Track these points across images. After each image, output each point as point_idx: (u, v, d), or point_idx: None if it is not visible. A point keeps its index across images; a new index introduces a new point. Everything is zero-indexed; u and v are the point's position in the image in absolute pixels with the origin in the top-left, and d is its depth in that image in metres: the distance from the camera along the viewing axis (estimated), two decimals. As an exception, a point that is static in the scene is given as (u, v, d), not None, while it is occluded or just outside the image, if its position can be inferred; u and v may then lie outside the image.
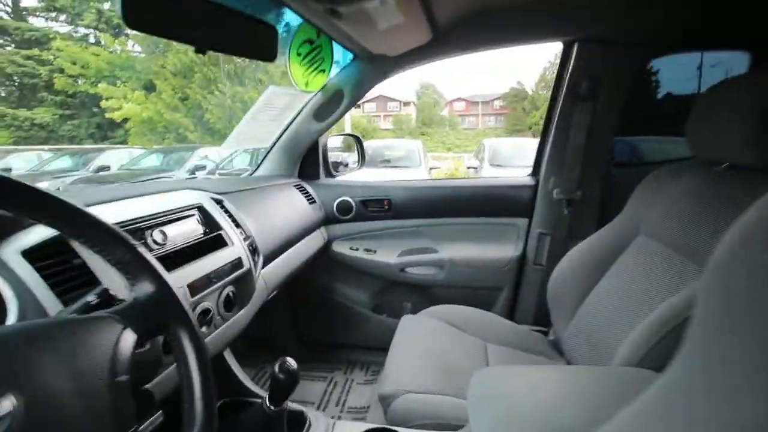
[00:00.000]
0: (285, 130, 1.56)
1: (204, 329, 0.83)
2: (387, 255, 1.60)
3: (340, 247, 1.65)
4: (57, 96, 13.72)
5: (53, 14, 14.67)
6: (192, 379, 0.45)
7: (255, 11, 0.69)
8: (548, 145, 1.43)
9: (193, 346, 0.46)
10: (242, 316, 0.97)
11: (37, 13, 14.63)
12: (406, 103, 31.10)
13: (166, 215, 0.83)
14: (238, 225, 1.03)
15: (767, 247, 0.28)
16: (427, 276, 1.57)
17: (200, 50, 0.61)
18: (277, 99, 1.36)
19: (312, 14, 1.02)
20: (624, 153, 1.60)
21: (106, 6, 14.24)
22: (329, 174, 1.74)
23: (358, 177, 1.81)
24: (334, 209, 1.63)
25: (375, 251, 1.62)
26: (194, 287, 0.79)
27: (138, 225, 0.75)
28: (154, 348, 0.64)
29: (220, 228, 0.94)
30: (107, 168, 7.35)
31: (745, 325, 0.27)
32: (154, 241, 0.76)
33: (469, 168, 7.58)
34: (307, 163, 1.66)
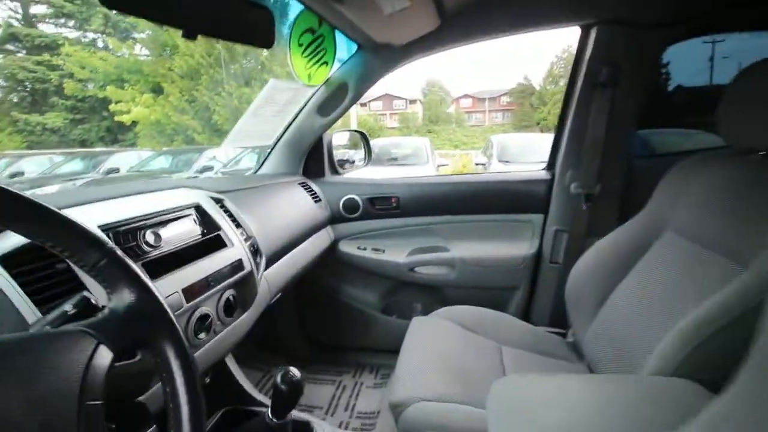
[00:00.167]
0: (288, 126, 1.51)
1: (203, 335, 0.78)
2: (396, 254, 1.54)
3: (347, 247, 1.60)
4: (67, 101, 13.90)
5: (62, 20, 14.85)
6: (179, 402, 0.39)
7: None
8: (565, 136, 1.36)
9: (180, 363, 0.41)
10: (244, 320, 0.93)
11: (47, 20, 14.83)
12: (413, 101, 30.97)
13: (160, 215, 0.78)
14: (239, 225, 0.98)
15: None
16: (438, 276, 1.51)
17: (189, 35, 0.56)
18: (278, 94, 1.31)
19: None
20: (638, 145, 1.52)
21: (113, 11, 14.34)
22: (335, 171, 1.69)
23: (364, 175, 1.76)
24: (341, 208, 1.58)
25: (383, 250, 1.57)
26: (191, 292, 0.74)
27: (129, 226, 0.71)
28: (147, 358, 0.60)
29: (218, 228, 0.90)
30: (116, 170, 7.42)
31: None
32: (147, 243, 0.71)
33: (477, 165, 7.47)
34: (312, 160, 1.61)
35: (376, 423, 1.36)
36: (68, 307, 0.44)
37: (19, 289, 0.51)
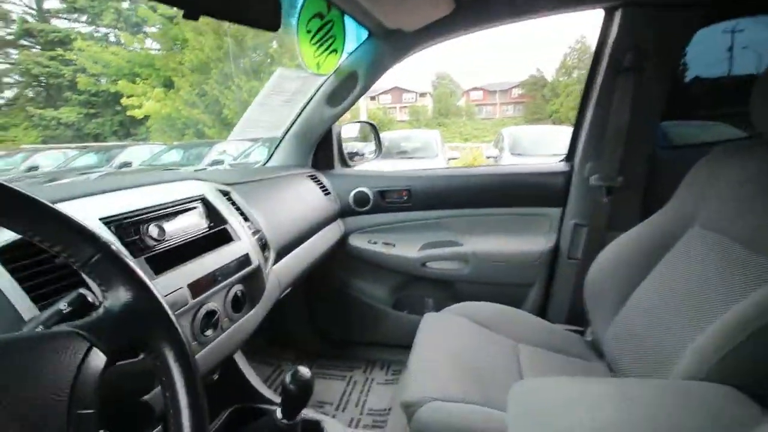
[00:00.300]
0: (297, 117, 1.47)
1: (210, 332, 0.76)
2: (407, 249, 1.51)
3: (358, 241, 1.56)
4: (81, 95, 14.07)
5: (74, 15, 14.99)
6: (179, 406, 0.36)
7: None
8: (585, 126, 1.30)
9: (180, 366, 0.38)
10: (252, 316, 0.90)
11: (60, 15, 14.98)
12: (422, 94, 30.66)
13: (164, 208, 0.76)
14: (246, 218, 0.95)
15: None
16: (451, 271, 1.47)
17: (190, 15, 0.52)
18: (287, 82, 1.28)
19: None
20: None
21: (125, 5, 14.48)
22: (344, 164, 1.65)
23: (374, 168, 1.72)
24: (351, 201, 1.55)
25: (394, 245, 1.53)
26: (197, 287, 0.71)
27: (132, 219, 0.68)
28: (146, 359, 0.57)
29: (225, 222, 0.87)
30: (129, 164, 7.49)
31: None
32: (150, 237, 0.68)
33: (488, 158, 7.35)
34: (321, 152, 1.58)
35: (388, 420, 1.33)
36: (63, 305, 0.41)
37: (16, 284, 0.49)
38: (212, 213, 0.87)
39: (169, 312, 0.40)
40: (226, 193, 0.96)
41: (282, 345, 1.70)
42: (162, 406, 0.63)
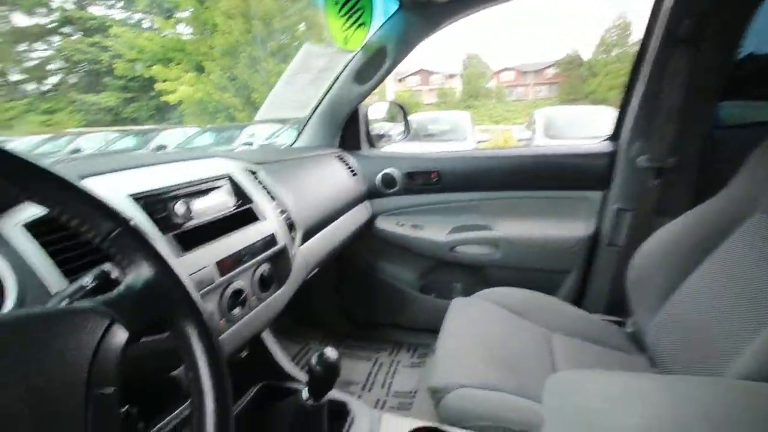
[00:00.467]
0: (324, 96, 1.44)
1: (237, 310, 0.75)
2: (436, 232, 1.47)
3: (385, 223, 1.54)
4: (119, 80, 14.58)
5: (110, 2, 15.41)
6: (202, 389, 0.35)
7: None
8: (633, 103, 1.19)
9: (204, 346, 0.36)
10: (280, 296, 0.90)
11: (96, 1, 15.43)
12: (451, 76, 29.82)
13: (192, 186, 0.75)
14: (273, 198, 0.94)
15: None
16: (481, 255, 1.43)
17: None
18: (313, 59, 1.23)
19: None
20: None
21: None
22: (371, 145, 1.61)
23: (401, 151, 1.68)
24: (378, 182, 1.52)
25: (422, 227, 1.49)
26: (224, 265, 0.71)
27: (160, 196, 0.68)
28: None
29: (251, 201, 0.86)
30: (164, 147, 7.75)
31: None
32: (178, 214, 0.68)
33: (520, 140, 7.09)
34: (348, 132, 1.55)
35: (413, 404, 1.32)
36: (86, 280, 0.41)
37: (46, 258, 0.49)
38: (239, 192, 0.86)
39: (191, 291, 0.38)
40: (253, 173, 0.95)
41: (309, 324, 1.72)
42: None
